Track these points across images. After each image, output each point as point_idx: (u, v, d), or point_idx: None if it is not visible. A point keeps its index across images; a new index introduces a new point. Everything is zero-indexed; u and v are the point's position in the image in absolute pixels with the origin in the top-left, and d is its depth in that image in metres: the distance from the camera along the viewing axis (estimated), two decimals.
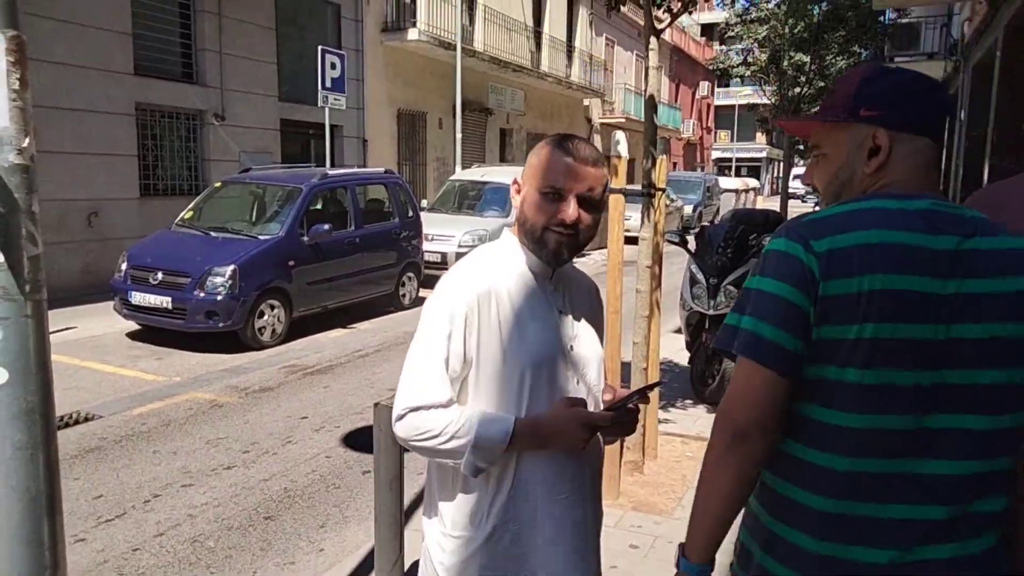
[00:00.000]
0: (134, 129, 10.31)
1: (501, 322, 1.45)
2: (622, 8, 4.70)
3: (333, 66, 11.23)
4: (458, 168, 15.00)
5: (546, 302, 1.52)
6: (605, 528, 3.58)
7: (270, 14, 12.56)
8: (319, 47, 11.38)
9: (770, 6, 9.27)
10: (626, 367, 4.03)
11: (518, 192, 1.52)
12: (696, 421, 5.11)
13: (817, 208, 1.64)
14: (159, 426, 5.03)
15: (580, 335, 1.56)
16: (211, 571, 3.29)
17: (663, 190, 4.09)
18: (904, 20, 13.23)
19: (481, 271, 1.51)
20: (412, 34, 15.11)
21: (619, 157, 3.97)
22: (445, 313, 1.45)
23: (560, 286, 1.56)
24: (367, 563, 3.11)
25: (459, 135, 15.52)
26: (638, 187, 4.01)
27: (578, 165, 1.45)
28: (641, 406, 1.62)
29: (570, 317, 1.55)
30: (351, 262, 8.43)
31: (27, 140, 1.14)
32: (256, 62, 12.27)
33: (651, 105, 4.10)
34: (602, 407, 1.56)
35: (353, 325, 8.29)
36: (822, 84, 13.16)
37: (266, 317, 7.30)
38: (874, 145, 1.25)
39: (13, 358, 1.17)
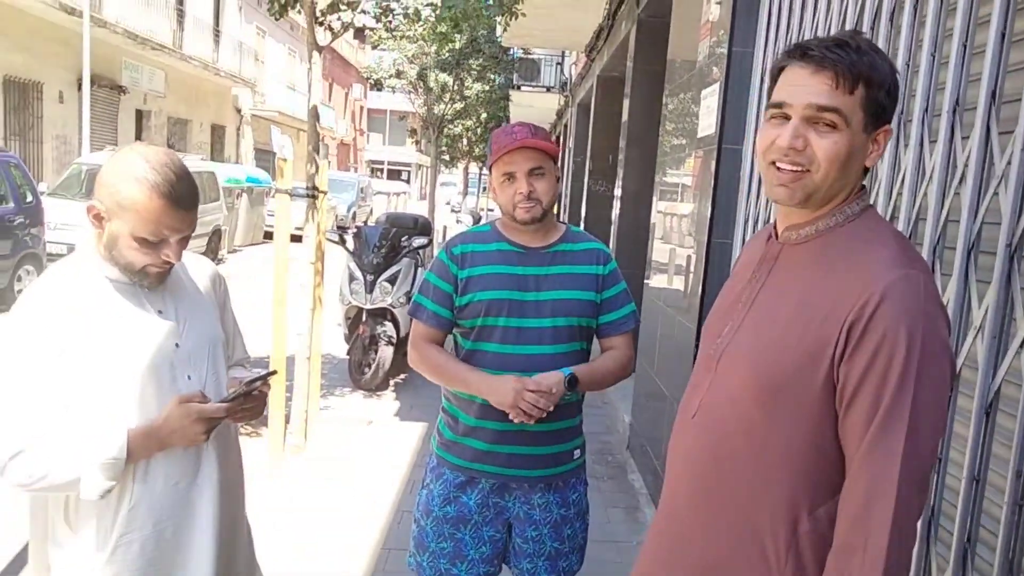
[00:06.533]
0: None
1: (91, 337, 1.41)
2: (288, 14, 4.92)
3: None
4: (85, 150, 13.35)
5: (140, 307, 1.49)
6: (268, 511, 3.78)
7: None
8: None
9: (418, 29, 10.12)
10: (291, 359, 4.29)
11: (98, 220, 1.44)
12: (353, 406, 5.55)
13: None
14: None
15: (187, 330, 1.55)
16: None
17: (326, 193, 4.45)
18: (529, 56, 15.39)
19: (62, 289, 1.43)
20: None
21: (284, 160, 4.24)
22: (27, 340, 1.38)
23: (158, 286, 1.54)
24: None
25: (86, 113, 13.81)
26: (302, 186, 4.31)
27: (183, 214, 1.45)
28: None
29: (173, 314, 1.54)
30: None
31: None
32: None
33: (314, 115, 4.43)
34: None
35: None
36: (461, 105, 14.66)
37: None
38: None
39: None
